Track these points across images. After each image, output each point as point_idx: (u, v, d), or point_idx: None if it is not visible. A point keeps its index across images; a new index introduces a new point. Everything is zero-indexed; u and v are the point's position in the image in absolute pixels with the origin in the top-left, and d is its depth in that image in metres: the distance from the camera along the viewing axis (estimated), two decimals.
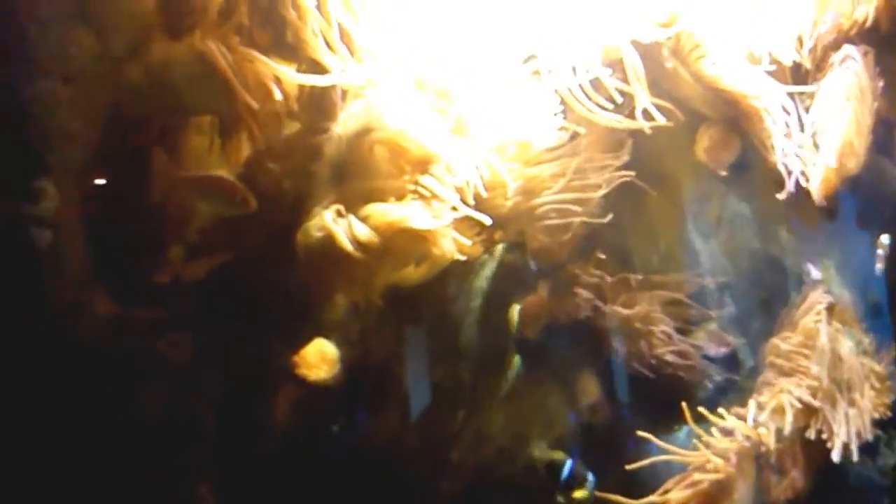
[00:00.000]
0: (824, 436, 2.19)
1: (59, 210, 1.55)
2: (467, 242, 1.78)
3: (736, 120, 2.18)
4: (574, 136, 2.08)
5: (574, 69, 1.98)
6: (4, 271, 1.48)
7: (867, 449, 2.22)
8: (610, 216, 2.09)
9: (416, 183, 1.71)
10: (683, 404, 2.09)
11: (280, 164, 1.80)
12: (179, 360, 1.69)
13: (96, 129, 1.65)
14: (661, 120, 2.00)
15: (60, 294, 1.56)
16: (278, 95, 1.66)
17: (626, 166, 2.12)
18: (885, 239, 2.33)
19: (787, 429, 2.17)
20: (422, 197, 1.70)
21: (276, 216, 1.75)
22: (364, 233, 1.66)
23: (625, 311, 2.16)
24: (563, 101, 2.00)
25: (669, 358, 2.22)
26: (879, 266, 2.33)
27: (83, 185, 1.62)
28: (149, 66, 1.69)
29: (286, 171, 1.80)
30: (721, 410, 2.16)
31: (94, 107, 1.64)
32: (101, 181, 1.66)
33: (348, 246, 1.65)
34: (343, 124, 1.77)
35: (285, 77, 1.67)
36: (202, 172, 1.73)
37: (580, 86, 1.99)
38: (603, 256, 2.25)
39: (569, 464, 2.16)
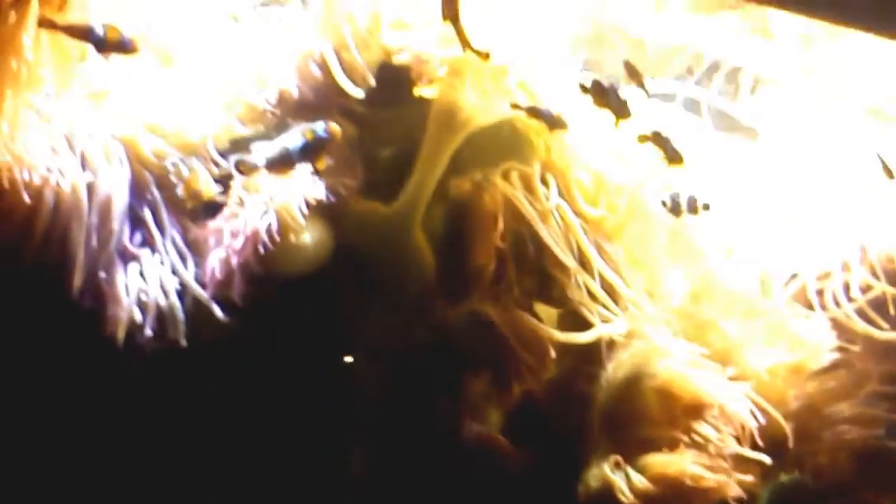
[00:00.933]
0: None
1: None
2: (749, 479, 1.78)
3: None
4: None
5: (847, 287, 1.96)
6: None
7: None
8: None
9: (691, 430, 1.74)
10: None
11: (551, 412, 1.89)
12: None
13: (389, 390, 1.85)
14: None
15: None
16: (552, 354, 1.78)
17: None
18: None
19: None
20: (697, 445, 1.72)
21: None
22: (643, 484, 1.70)
23: None
24: (834, 321, 1.97)
25: None
26: None
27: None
28: (432, 328, 1.88)
29: (558, 418, 1.89)
30: None
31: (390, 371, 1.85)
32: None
33: (628, 499, 1.70)
34: (611, 371, 1.84)
35: (554, 336, 1.79)
36: (476, 430, 1.86)
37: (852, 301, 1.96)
38: None
39: None
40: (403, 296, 1.88)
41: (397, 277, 1.88)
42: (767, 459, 1.76)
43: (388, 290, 1.88)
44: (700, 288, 2.00)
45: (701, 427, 1.73)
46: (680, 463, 1.69)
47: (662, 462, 1.71)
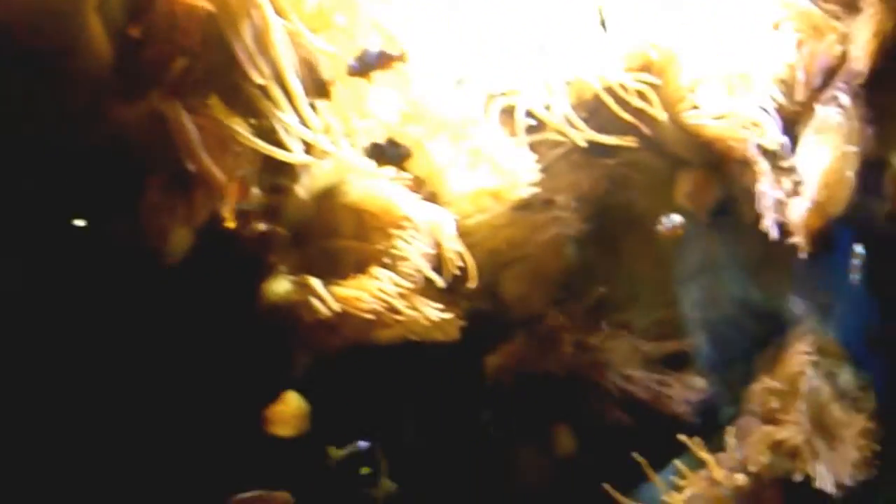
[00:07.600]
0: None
1: None
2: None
3: (717, 164, 2.13)
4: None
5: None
6: None
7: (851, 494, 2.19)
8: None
9: (383, 247, 1.68)
10: (640, 458, 2.08)
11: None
12: None
13: None
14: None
15: None
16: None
17: (601, 208, 2.10)
18: (859, 249, 2.29)
19: (764, 470, 2.16)
20: (388, 264, 1.68)
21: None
22: (329, 301, 1.64)
23: (599, 358, 2.14)
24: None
25: (644, 396, 2.19)
26: (855, 276, 2.29)
27: None
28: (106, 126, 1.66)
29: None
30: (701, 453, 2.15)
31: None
32: None
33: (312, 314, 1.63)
34: (304, 186, 1.74)
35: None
36: None
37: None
38: (602, 290, 2.20)
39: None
40: (74, 87, 1.64)
41: (67, 65, 1.63)
42: (441, 282, 1.76)
43: (58, 79, 1.62)
44: (409, 109, 1.92)
45: (393, 243, 1.69)
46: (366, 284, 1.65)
47: (351, 283, 1.65)
